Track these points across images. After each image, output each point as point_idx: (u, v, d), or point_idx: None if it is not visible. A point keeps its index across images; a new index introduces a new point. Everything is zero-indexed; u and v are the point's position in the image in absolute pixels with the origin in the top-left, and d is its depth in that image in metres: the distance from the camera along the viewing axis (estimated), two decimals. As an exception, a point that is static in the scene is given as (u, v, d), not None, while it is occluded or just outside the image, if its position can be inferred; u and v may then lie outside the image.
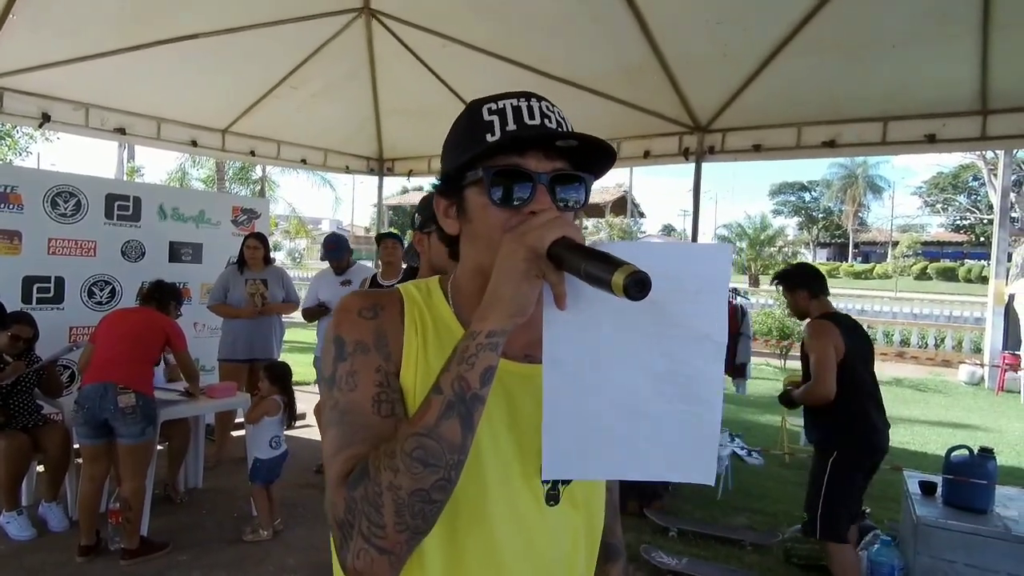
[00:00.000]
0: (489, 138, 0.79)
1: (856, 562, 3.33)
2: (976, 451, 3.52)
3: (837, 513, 3.18)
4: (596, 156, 0.81)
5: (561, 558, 0.87)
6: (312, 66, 5.03)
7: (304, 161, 6.83)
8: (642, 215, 39.44)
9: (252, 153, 6.31)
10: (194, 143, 5.92)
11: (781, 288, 3.55)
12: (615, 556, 1.07)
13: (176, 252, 5.44)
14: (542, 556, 0.84)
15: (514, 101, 0.81)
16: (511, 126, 0.79)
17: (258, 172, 22.43)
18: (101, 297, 4.92)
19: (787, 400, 3.48)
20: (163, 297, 3.99)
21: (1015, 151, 16.26)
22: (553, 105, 0.83)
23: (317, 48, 4.88)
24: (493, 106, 0.81)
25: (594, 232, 35.40)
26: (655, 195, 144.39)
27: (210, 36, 4.38)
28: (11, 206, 4.46)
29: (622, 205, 31.64)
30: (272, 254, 5.31)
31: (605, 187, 31.70)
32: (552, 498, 0.86)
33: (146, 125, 5.55)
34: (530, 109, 0.80)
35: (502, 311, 0.72)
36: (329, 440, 0.78)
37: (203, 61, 4.72)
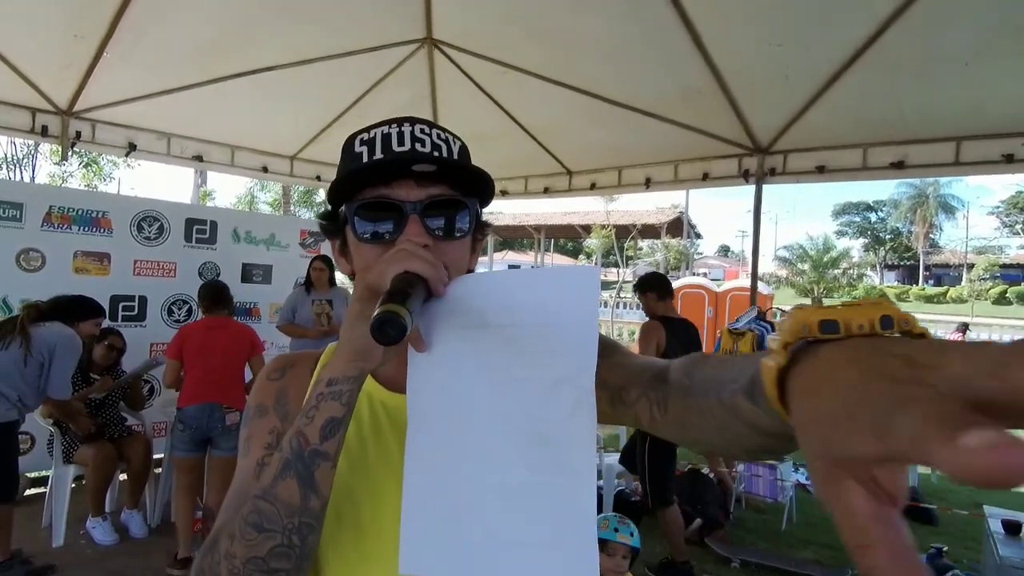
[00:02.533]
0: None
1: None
2: (1065, 488, 3.31)
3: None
4: (479, 179, 0.73)
5: None
6: (377, 94, 5.23)
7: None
8: (699, 236, 38.73)
9: (318, 178, 6.57)
10: (265, 169, 6.23)
11: (637, 293, 4.11)
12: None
13: (248, 273, 5.69)
14: None
15: (385, 128, 0.74)
16: (378, 155, 0.72)
17: (322, 195, 23.26)
18: (179, 315, 5.20)
19: None
20: (231, 301, 4.03)
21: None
22: (432, 127, 0.75)
23: (382, 77, 5.07)
24: (365, 136, 0.74)
25: (648, 253, 34.78)
26: (713, 215, 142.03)
27: (282, 68, 4.63)
28: (102, 230, 4.79)
29: (678, 226, 31.16)
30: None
31: (660, 208, 31.28)
32: None
33: (221, 152, 5.89)
34: (400, 135, 0.72)
35: (341, 356, 0.66)
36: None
37: (275, 92, 4.98)
